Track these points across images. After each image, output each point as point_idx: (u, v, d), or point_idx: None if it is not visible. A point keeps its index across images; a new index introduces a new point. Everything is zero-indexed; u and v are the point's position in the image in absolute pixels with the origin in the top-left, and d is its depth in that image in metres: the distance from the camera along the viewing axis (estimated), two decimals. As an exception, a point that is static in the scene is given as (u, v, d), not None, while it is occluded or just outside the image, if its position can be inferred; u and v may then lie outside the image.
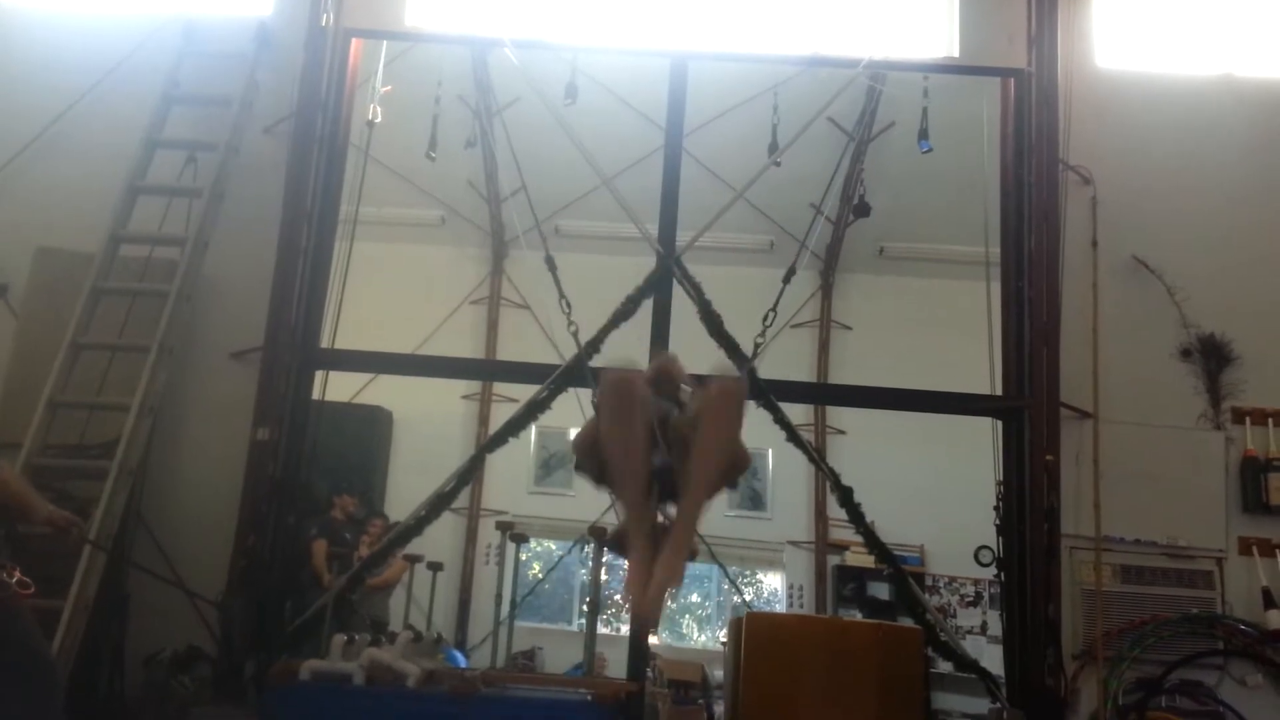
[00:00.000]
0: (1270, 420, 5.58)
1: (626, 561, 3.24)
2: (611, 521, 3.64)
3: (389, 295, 9.19)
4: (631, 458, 3.19)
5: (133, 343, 5.24)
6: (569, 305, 4.44)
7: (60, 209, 5.72)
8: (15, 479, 3.93)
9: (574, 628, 9.95)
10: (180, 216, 5.59)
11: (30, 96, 5.95)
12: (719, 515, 8.96)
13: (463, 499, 8.61)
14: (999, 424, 5.63)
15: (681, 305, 5.72)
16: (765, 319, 5.62)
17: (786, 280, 6.00)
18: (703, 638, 10.80)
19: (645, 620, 3.50)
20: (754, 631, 4.88)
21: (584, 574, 9.78)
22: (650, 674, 5.68)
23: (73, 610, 4.47)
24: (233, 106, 5.76)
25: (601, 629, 7.31)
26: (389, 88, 6.66)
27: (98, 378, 5.25)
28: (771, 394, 5.65)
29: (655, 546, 3.15)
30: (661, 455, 3.26)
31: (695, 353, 4.48)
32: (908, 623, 5.72)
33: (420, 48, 7.01)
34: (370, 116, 6.48)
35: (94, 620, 4.63)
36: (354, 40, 6.08)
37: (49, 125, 5.82)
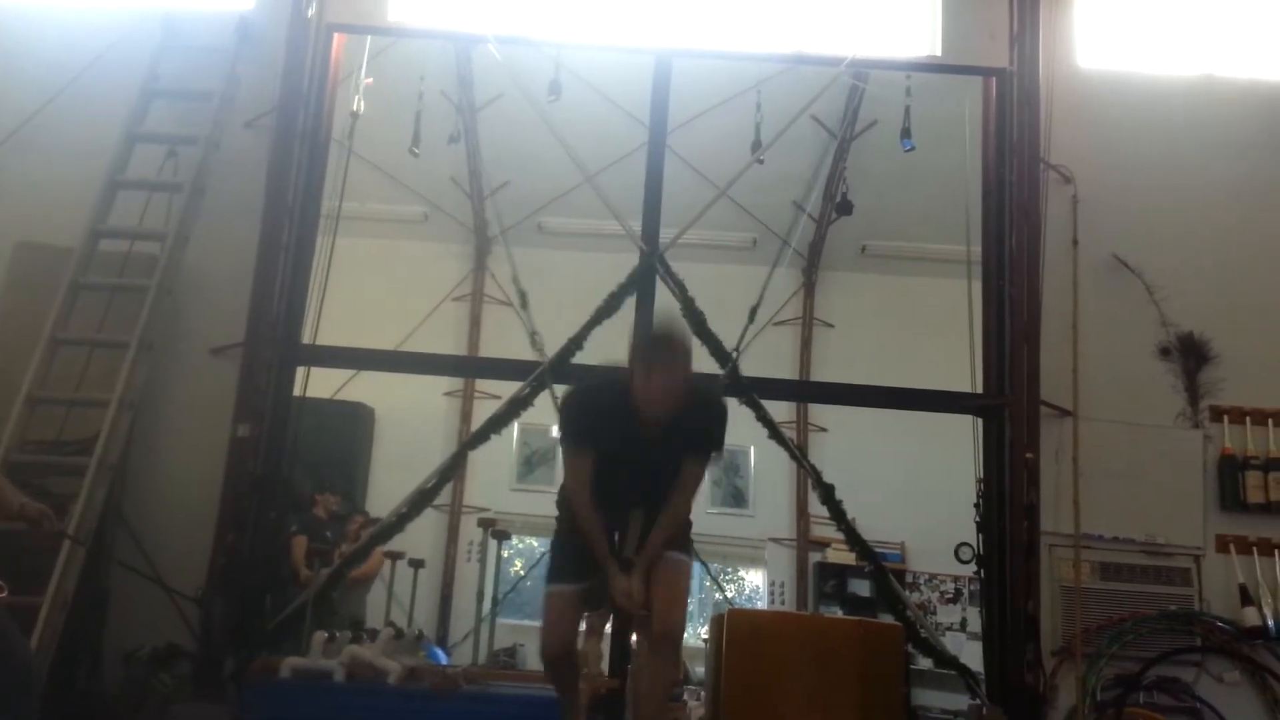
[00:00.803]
0: (1248, 419, 5.62)
1: None
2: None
3: (371, 291, 9.17)
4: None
5: (112, 338, 5.21)
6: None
7: (39, 204, 5.68)
8: None
9: (556, 625, 9.95)
10: (161, 211, 5.55)
11: (8, 91, 5.90)
12: (701, 512, 8.99)
13: (445, 496, 8.62)
14: (979, 422, 5.66)
15: (664, 302, 5.73)
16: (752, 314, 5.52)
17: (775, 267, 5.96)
18: (684, 634, 10.81)
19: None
20: (735, 628, 4.89)
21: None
22: (631, 670, 5.67)
23: (51, 606, 4.43)
24: (213, 101, 5.72)
25: (582, 626, 7.30)
26: (370, 79, 6.63)
27: (77, 373, 5.21)
28: (754, 391, 5.66)
29: None
30: None
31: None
32: (888, 619, 5.73)
33: (403, 43, 6.99)
34: (354, 108, 6.44)
35: (73, 617, 4.59)
36: (336, 35, 6.06)
37: (27, 120, 5.77)
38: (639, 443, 3.76)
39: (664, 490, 3.85)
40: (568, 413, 3.97)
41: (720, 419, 3.94)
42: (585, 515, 3.84)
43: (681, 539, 3.96)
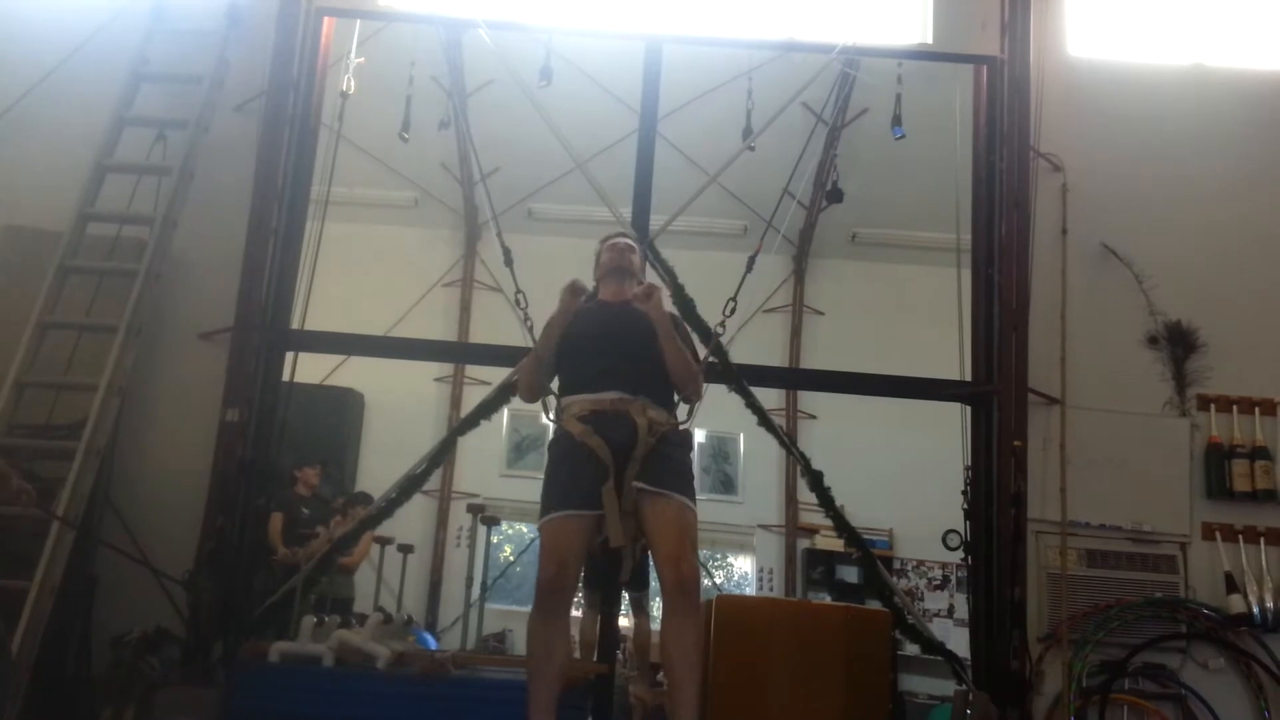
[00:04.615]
0: (1234, 407, 5.64)
1: None
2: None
3: (361, 277, 9.16)
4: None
5: (100, 322, 5.19)
6: (525, 300, 4.46)
7: (27, 187, 5.64)
8: None
9: (544, 610, 9.97)
10: (149, 195, 5.52)
11: (-4, 73, 5.87)
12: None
13: (434, 481, 8.63)
14: (968, 409, 5.67)
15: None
16: (735, 295, 5.43)
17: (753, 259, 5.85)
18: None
19: None
20: (724, 614, 4.91)
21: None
22: (620, 656, 5.70)
23: (39, 591, 4.43)
24: (202, 84, 5.69)
25: (571, 612, 7.32)
26: (362, 59, 6.60)
27: (65, 357, 5.19)
28: (743, 378, 5.67)
29: None
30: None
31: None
32: (876, 605, 5.76)
33: (393, 27, 6.96)
34: (344, 88, 6.40)
35: (61, 601, 4.58)
36: (326, 19, 6.02)
37: (15, 103, 5.73)
38: (610, 319, 4.18)
39: (640, 374, 4.03)
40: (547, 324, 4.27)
41: (677, 320, 4.39)
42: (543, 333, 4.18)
43: (685, 486, 3.89)
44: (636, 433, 3.86)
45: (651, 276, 5.75)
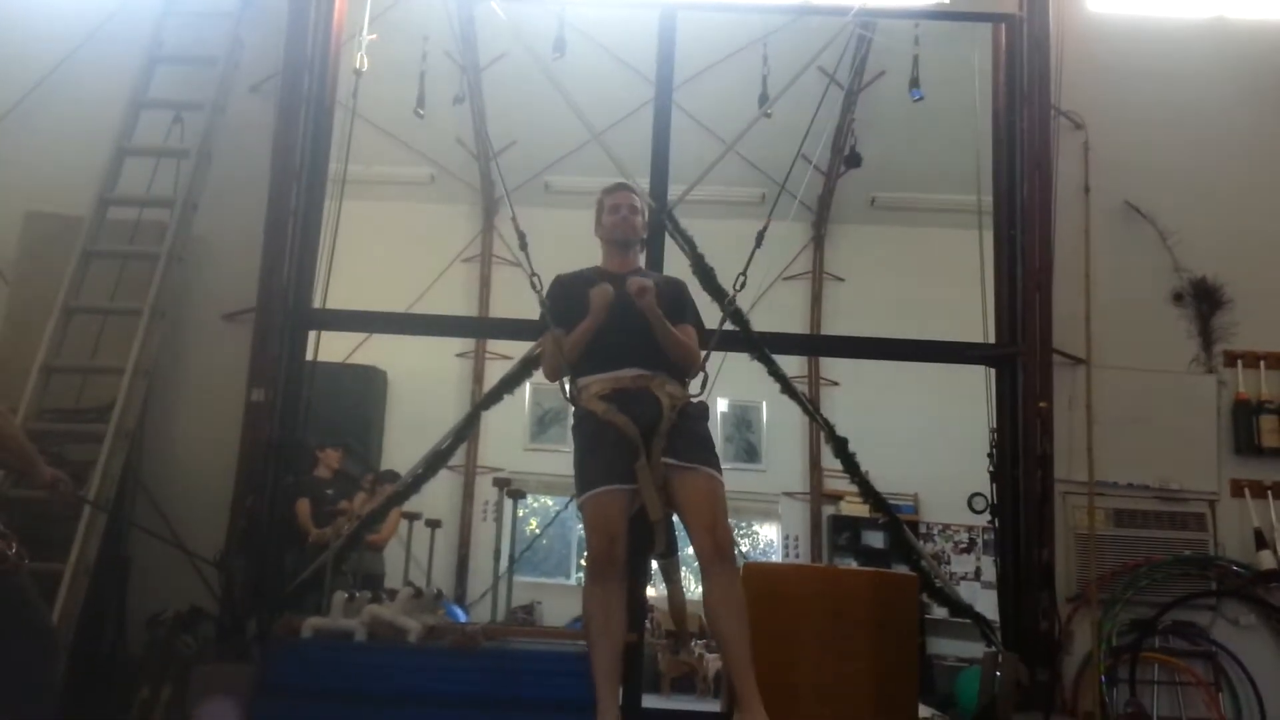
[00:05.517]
0: (1262, 363, 5.60)
1: None
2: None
3: (380, 254, 9.17)
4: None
5: (125, 306, 5.22)
6: (540, 283, 4.37)
7: (48, 173, 5.67)
8: (19, 434, 3.70)
9: (572, 582, 10.06)
10: (168, 178, 5.54)
11: (12, 60, 5.87)
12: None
13: (459, 456, 8.67)
14: (992, 372, 5.64)
15: (674, 259, 5.71)
16: (744, 270, 5.25)
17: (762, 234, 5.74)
18: (700, 589, 10.89)
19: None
20: (750, 582, 4.89)
21: (580, 529, 9.86)
22: (648, 625, 5.73)
23: (74, 573, 4.48)
24: (217, 66, 5.69)
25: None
26: (375, 36, 6.57)
27: (91, 342, 5.23)
28: (765, 346, 5.65)
29: None
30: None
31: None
32: (903, 570, 5.76)
33: (406, 2, 6.93)
34: (357, 65, 6.38)
35: (95, 583, 4.64)
36: (338, -5, 6.01)
37: (33, 88, 5.75)
38: (620, 302, 3.99)
39: (657, 350, 4.00)
40: (549, 299, 4.18)
41: (682, 288, 4.35)
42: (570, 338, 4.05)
43: (711, 457, 3.92)
44: (660, 409, 3.88)
45: (671, 247, 5.75)
